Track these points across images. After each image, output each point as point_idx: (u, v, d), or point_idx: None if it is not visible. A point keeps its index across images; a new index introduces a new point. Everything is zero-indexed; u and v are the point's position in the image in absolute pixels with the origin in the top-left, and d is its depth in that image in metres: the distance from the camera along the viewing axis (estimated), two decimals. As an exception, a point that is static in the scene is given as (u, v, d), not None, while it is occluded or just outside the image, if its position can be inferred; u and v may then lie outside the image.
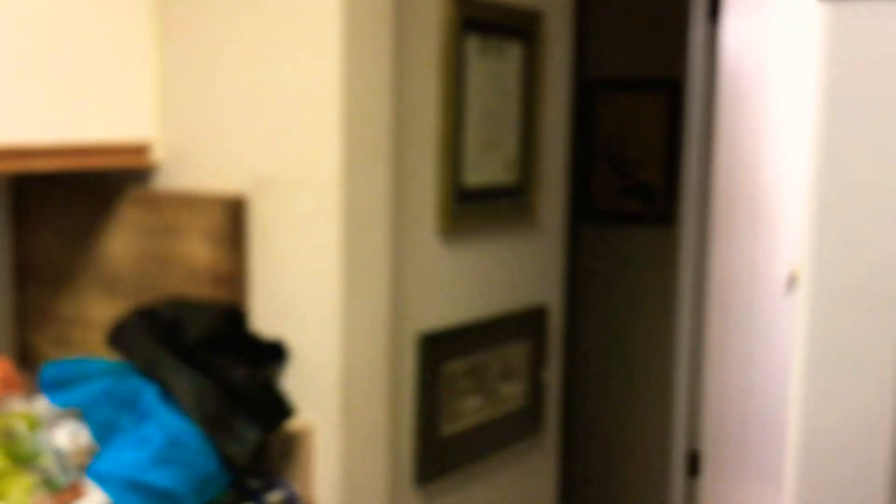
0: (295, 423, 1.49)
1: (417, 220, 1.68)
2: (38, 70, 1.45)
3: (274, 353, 1.47)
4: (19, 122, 1.44)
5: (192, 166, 1.61)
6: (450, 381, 1.77)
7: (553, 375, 2.10)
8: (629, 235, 2.71)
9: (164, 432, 1.32)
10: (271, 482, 1.48)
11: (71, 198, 1.72)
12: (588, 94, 2.71)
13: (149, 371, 1.38)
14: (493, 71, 1.80)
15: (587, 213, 2.75)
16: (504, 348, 1.91)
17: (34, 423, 1.38)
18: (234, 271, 1.53)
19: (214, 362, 1.39)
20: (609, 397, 2.79)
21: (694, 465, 2.75)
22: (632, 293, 2.73)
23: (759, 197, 3.04)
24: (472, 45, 1.73)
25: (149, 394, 1.36)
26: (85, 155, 1.53)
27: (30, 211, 1.79)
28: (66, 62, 1.49)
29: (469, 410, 1.83)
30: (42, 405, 1.42)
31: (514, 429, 1.97)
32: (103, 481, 1.33)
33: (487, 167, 1.82)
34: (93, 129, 1.54)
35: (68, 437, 1.43)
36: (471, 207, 1.79)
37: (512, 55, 1.84)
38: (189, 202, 1.56)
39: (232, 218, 1.52)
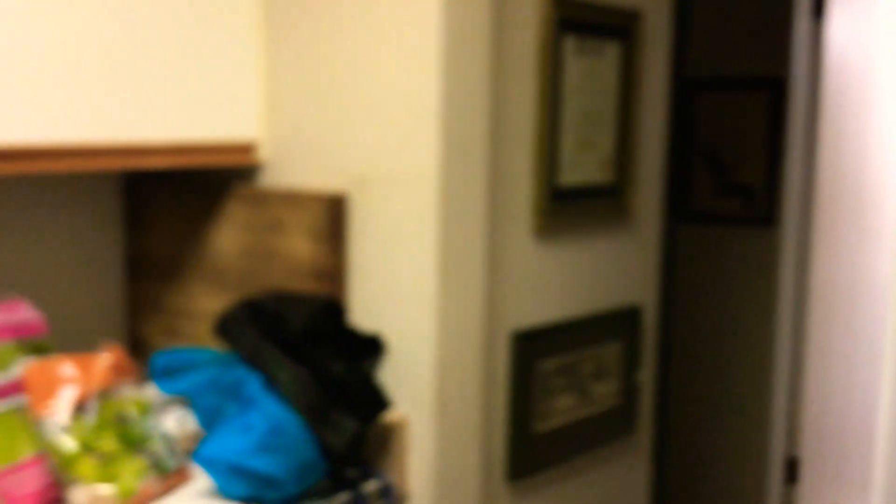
0: (391, 416, 1.53)
1: (512, 219, 1.69)
2: (152, 72, 1.52)
3: (371, 347, 1.50)
4: (134, 121, 1.51)
5: (296, 165, 1.66)
6: (542, 380, 1.78)
7: (647, 376, 2.09)
8: (727, 236, 2.67)
9: (267, 420, 1.36)
10: (367, 472, 1.51)
11: (180, 195, 1.79)
12: (687, 93, 2.68)
13: (253, 361, 1.43)
14: (591, 70, 1.80)
15: (684, 213, 2.72)
16: (597, 348, 1.91)
17: (145, 409, 1.45)
18: (334, 266, 1.57)
19: (314, 354, 1.43)
20: (705, 401, 2.75)
21: (792, 471, 2.69)
22: (730, 294, 2.69)
23: (865, 198, 2.95)
24: (570, 44, 1.74)
25: (253, 383, 1.41)
26: (195, 153, 1.59)
27: (142, 207, 1.87)
28: (178, 65, 1.55)
29: (561, 409, 1.84)
30: (152, 392, 1.49)
31: (607, 429, 1.97)
32: (208, 465, 1.39)
33: (583, 166, 1.83)
34: (202, 128, 1.60)
35: (176, 423, 1.50)
36: (566, 207, 1.80)
37: (609, 54, 1.84)
38: (292, 200, 1.61)
39: (333, 215, 1.56)
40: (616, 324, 1.97)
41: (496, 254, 1.65)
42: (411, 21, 1.50)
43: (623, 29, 1.86)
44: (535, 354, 1.76)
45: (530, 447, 1.77)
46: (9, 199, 1.72)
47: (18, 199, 1.73)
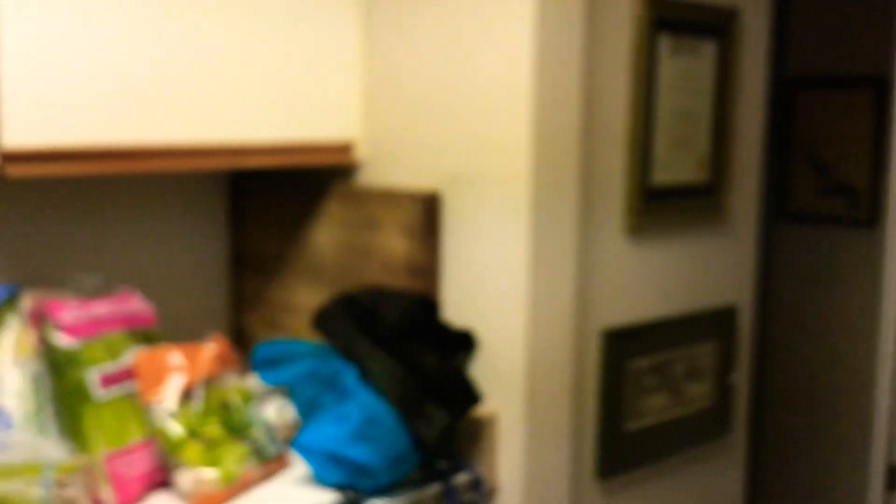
0: (481, 410, 1.55)
1: (605, 218, 1.70)
2: (257, 76, 1.58)
3: (463, 342, 1.53)
4: (238, 123, 1.57)
5: (392, 164, 1.70)
6: (634, 378, 1.78)
7: (742, 378, 2.06)
8: (829, 237, 2.61)
9: (362, 411, 1.40)
10: (458, 464, 1.54)
11: (282, 194, 1.86)
12: (787, 92, 2.63)
13: (348, 354, 1.47)
14: (686, 70, 1.79)
15: (783, 213, 2.67)
16: (690, 348, 1.90)
17: (247, 397, 1.51)
18: (427, 263, 1.61)
19: (408, 348, 1.46)
20: (804, 405, 2.69)
21: (894, 480, 2.61)
22: (831, 296, 2.62)
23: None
24: (664, 44, 1.73)
25: (348, 375, 1.45)
26: (296, 153, 1.65)
27: (245, 206, 1.94)
28: (282, 68, 1.61)
29: (653, 408, 1.84)
30: (254, 382, 1.55)
31: (700, 430, 1.96)
32: (306, 453, 1.44)
33: (677, 166, 1.82)
34: (304, 129, 1.66)
35: (276, 411, 1.55)
36: (659, 206, 1.79)
37: (705, 54, 1.83)
38: (387, 198, 1.65)
39: (427, 213, 1.60)
40: (711, 324, 1.95)
41: (588, 252, 1.66)
42: (505, 21, 1.52)
43: (720, 28, 1.85)
44: (626, 353, 1.76)
45: (621, 445, 1.77)
46: (123, 198, 1.81)
47: (132, 199, 1.83)
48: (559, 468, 1.62)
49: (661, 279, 1.84)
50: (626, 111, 1.70)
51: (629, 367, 1.77)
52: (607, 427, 1.74)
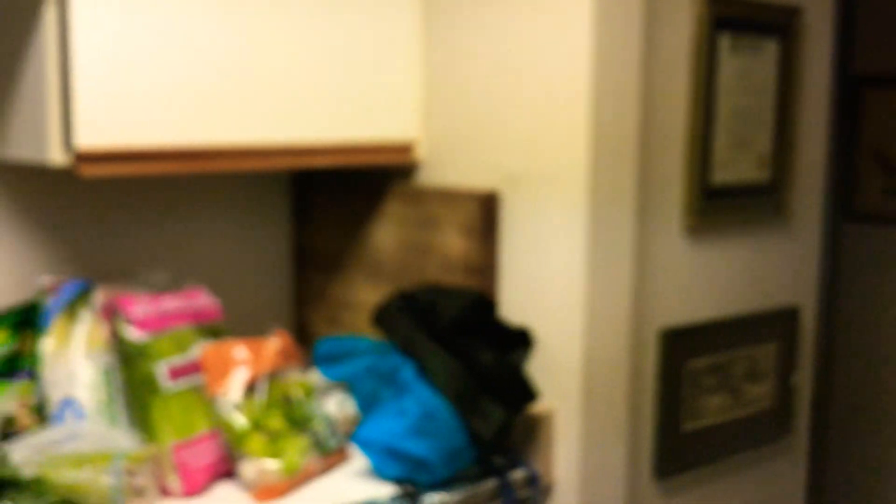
0: (538, 407, 1.57)
1: (664, 217, 1.70)
2: (320, 78, 1.61)
3: (520, 340, 1.54)
4: (303, 124, 1.61)
5: (450, 163, 1.73)
6: (692, 378, 1.78)
7: (804, 379, 2.04)
8: (896, 237, 2.56)
9: (420, 406, 1.43)
10: (514, 461, 1.56)
11: (343, 192, 1.89)
12: (854, 90, 2.58)
13: (407, 350, 1.49)
14: (747, 69, 1.78)
15: (849, 212, 2.62)
16: (751, 348, 1.89)
17: (309, 391, 1.54)
18: (485, 262, 1.63)
19: (465, 345, 1.48)
20: (870, 409, 2.64)
21: (965, 486, 2.55)
22: (898, 298, 2.58)
23: None
24: (725, 42, 1.73)
25: (407, 370, 1.48)
26: (358, 153, 1.68)
27: (308, 205, 1.98)
28: (345, 71, 1.64)
29: (712, 409, 1.83)
30: (315, 377, 1.58)
31: (760, 431, 1.94)
32: (365, 447, 1.47)
33: (738, 165, 1.81)
34: (366, 129, 1.69)
35: (337, 406, 1.59)
36: (719, 205, 1.78)
37: (767, 52, 1.81)
38: (446, 197, 1.68)
39: (485, 212, 1.62)
40: (772, 324, 1.93)
41: (646, 251, 1.67)
42: (565, 21, 1.53)
43: (781, 26, 1.83)
44: (684, 353, 1.76)
45: (679, 445, 1.77)
46: (191, 197, 1.87)
47: (199, 198, 1.88)
48: (616, 466, 1.63)
49: (720, 279, 1.83)
50: (686, 110, 1.70)
51: (688, 367, 1.77)
52: (665, 427, 1.74)
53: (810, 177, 1.97)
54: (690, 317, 1.77)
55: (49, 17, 1.35)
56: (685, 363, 1.76)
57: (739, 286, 1.87)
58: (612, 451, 1.62)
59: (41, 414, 1.48)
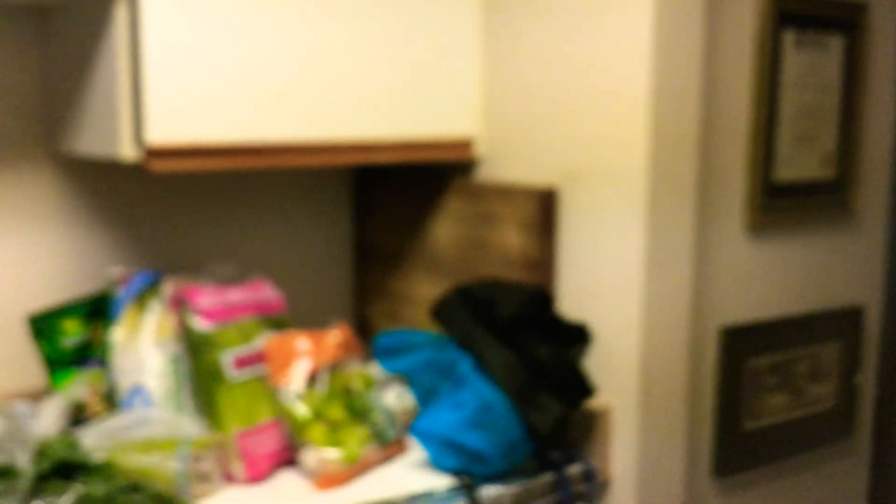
0: (595, 403, 1.57)
1: (725, 214, 1.69)
2: (383, 76, 1.64)
3: (578, 336, 1.55)
4: (366, 120, 1.63)
5: (509, 159, 1.74)
6: (753, 377, 1.77)
7: (867, 380, 2.00)
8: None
9: (478, 399, 1.44)
10: (571, 456, 1.56)
11: (403, 187, 1.92)
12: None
13: (465, 344, 1.51)
14: (811, 65, 1.76)
15: (918, 212, 2.56)
16: (813, 347, 1.86)
17: (369, 384, 1.57)
18: (543, 257, 1.63)
19: (523, 339, 1.49)
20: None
21: None
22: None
23: None
24: (789, 38, 1.71)
25: (465, 364, 1.49)
26: (419, 149, 1.70)
27: (369, 199, 2.01)
28: (407, 68, 1.66)
29: (773, 408, 1.81)
30: (375, 369, 1.60)
31: (822, 431, 1.91)
32: (423, 438, 1.49)
33: (801, 162, 1.79)
34: (427, 126, 1.71)
35: (396, 398, 1.61)
36: (782, 203, 1.77)
37: (832, 48, 1.79)
38: (505, 193, 1.69)
39: (543, 208, 1.63)
40: (835, 324, 1.91)
41: (706, 249, 1.66)
42: (625, 17, 1.52)
43: (847, 22, 1.80)
44: (745, 351, 1.74)
45: (739, 444, 1.76)
46: (256, 192, 1.91)
47: (264, 193, 1.92)
48: (674, 464, 1.63)
49: (783, 277, 1.81)
50: (749, 106, 1.68)
51: (748, 366, 1.75)
52: (725, 425, 1.73)
53: (876, 174, 1.94)
54: (752, 315, 1.76)
55: (120, 15, 1.40)
56: (746, 361, 1.75)
57: (802, 285, 1.84)
58: (671, 448, 1.61)
59: (111, 401, 1.53)
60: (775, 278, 1.80)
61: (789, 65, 1.72)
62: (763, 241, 1.76)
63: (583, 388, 1.51)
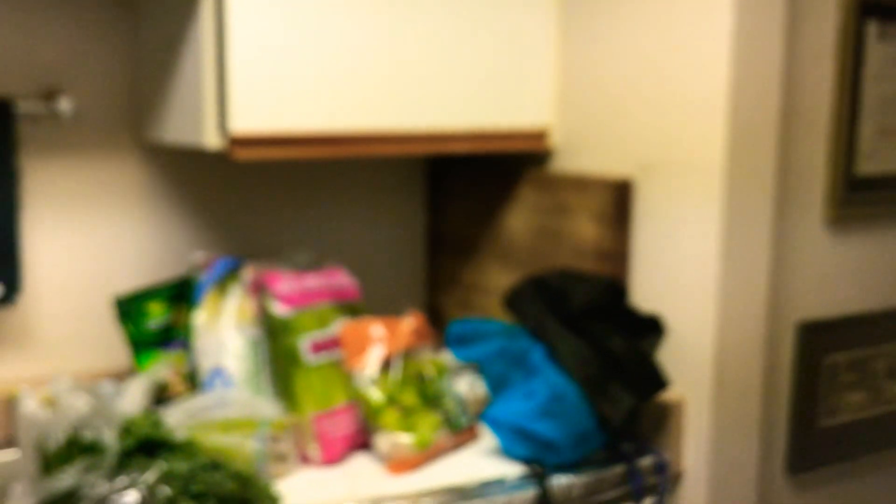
0: (668, 395, 1.56)
1: (804, 208, 1.66)
2: (458, 66, 1.65)
3: (651, 327, 1.54)
4: (441, 111, 1.64)
5: (583, 151, 1.74)
6: (830, 373, 1.74)
7: (951, 380, 1.95)
8: None
9: (549, 388, 1.45)
10: (643, 448, 1.56)
11: (477, 178, 1.93)
12: None
13: (537, 333, 1.51)
14: (894, 57, 1.72)
15: None
16: (893, 345, 1.82)
17: (441, 371, 1.59)
18: (617, 249, 1.63)
19: (595, 330, 1.49)
20: None
21: None
22: None
23: None
24: (872, 30, 1.67)
25: (537, 353, 1.50)
26: (493, 140, 1.71)
27: (442, 189, 2.03)
28: (482, 59, 1.67)
29: (850, 405, 1.78)
30: (447, 357, 1.62)
31: (901, 431, 1.88)
32: (494, 426, 1.50)
33: (884, 155, 1.75)
34: (501, 117, 1.71)
35: (467, 386, 1.62)
36: (863, 197, 1.73)
37: (918, 38, 1.74)
38: (579, 184, 1.69)
39: (618, 199, 1.62)
40: (916, 322, 1.86)
41: (784, 243, 1.63)
42: (704, 9, 1.51)
43: (935, 10, 1.76)
44: (823, 347, 1.72)
45: (814, 441, 1.73)
46: (333, 181, 1.94)
47: (340, 182, 1.95)
48: (747, 459, 1.61)
49: (863, 272, 1.77)
50: (830, 99, 1.65)
51: (825, 362, 1.72)
52: (800, 421, 1.70)
53: (963, 169, 1.88)
54: (830, 310, 1.73)
55: (207, 5, 1.44)
56: (823, 357, 1.72)
57: (882, 281, 1.81)
58: (744, 442, 1.60)
59: (193, 381, 1.58)
60: (855, 274, 1.76)
61: (872, 56, 1.69)
62: (843, 236, 1.73)
63: (656, 381, 1.51)
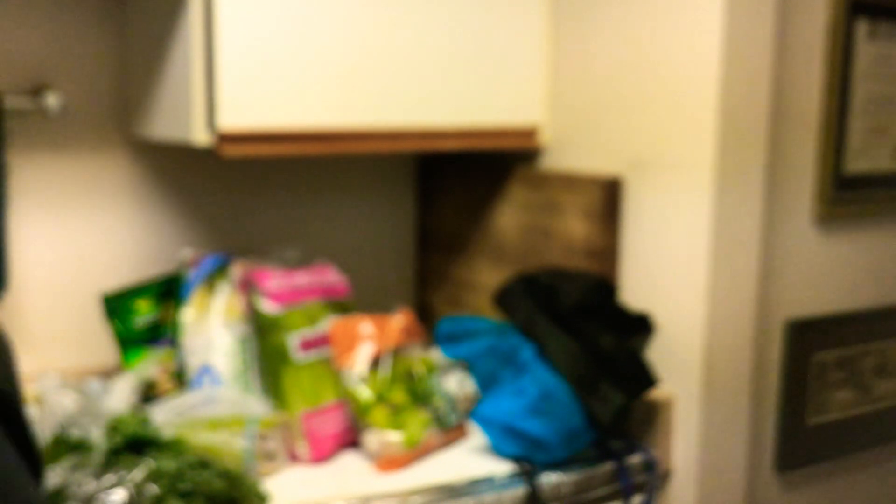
0: (657, 393, 1.57)
1: (793, 207, 1.67)
2: (448, 64, 1.64)
3: (640, 325, 1.54)
4: (430, 108, 1.64)
5: (573, 148, 1.74)
6: (818, 371, 1.74)
7: (938, 378, 1.96)
8: None
9: (539, 386, 1.45)
10: (632, 446, 1.56)
11: (466, 175, 1.93)
12: None
13: (527, 331, 1.51)
14: (885, 55, 1.72)
15: None
16: (882, 343, 1.83)
17: (430, 369, 1.58)
18: (606, 246, 1.63)
19: (585, 328, 1.49)
20: None
21: None
22: None
23: None
24: (861, 28, 1.67)
25: (526, 351, 1.49)
26: (484, 137, 1.71)
27: (432, 186, 2.03)
28: (472, 56, 1.67)
29: (838, 403, 1.78)
30: (436, 355, 1.62)
31: (890, 428, 1.88)
32: (484, 424, 1.49)
33: (874, 154, 1.75)
34: (491, 114, 1.71)
35: (457, 384, 1.62)
36: (852, 195, 1.74)
37: (908, 37, 1.75)
38: (569, 182, 1.69)
39: (607, 197, 1.62)
40: (904, 320, 1.87)
41: (773, 241, 1.64)
42: (694, 6, 1.51)
43: (924, 9, 1.76)
44: (811, 345, 1.72)
45: (803, 439, 1.74)
46: (321, 178, 1.94)
47: (329, 178, 1.95)
48: (736, 456, 1.61)
49: (852, 271, 1.78)
50: (819, 97, 1.66)
51: (814, 360, 1.73)
52: (789, 419, 1.71)
53: (952, 167, 1.89)
54: (819, 308, 1.73)
55: (195, 2, 1.43)
56: (812, 355, 1.72)
57: (872, 279, 1.81)
58: (733, 440, 1.60)
59: (181, 379, 1.57)
60: (844, 272, 1.77)
61: (861, 55, 1.69)
62: (832, 234, 1.73)
63: (645, 379, 1.51)
